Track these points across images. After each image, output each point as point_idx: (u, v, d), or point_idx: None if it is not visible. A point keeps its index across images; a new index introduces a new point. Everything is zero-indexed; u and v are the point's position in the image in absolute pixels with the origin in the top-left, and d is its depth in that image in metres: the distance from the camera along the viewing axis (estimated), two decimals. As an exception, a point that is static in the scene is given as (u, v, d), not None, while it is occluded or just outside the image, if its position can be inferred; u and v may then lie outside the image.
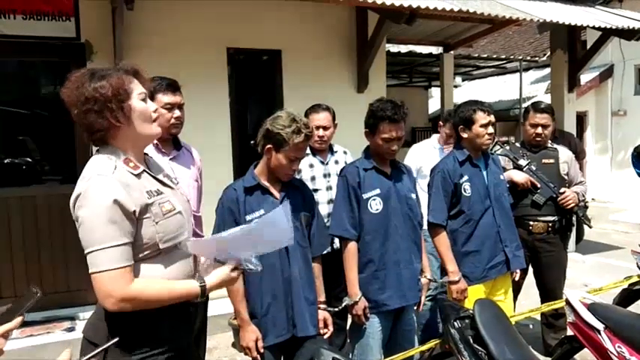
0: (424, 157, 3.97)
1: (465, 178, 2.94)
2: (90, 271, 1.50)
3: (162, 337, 1.64)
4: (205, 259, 1.77)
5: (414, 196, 2.77)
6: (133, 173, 1.59)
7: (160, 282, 1.59)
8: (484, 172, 3.01)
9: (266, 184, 2.33)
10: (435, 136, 4.17)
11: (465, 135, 2.98)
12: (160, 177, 1.72)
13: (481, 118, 2.92)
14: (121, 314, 1.57)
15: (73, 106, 1.59)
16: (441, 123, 4.07)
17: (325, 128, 3.40)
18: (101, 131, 1.58)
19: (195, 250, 1.72)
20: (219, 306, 3.34)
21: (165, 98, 2.59)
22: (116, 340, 1.50)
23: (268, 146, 2.27)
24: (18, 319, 1.42)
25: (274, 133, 2.23)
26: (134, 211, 1.53)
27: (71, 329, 4.14)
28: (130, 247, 1.53)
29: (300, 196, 2.42)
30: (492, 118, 2.95)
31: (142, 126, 1.64)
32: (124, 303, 1.51)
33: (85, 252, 1.51)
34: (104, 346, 1.46)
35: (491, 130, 2.94)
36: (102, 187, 1.50)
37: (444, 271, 2.91)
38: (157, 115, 1.71)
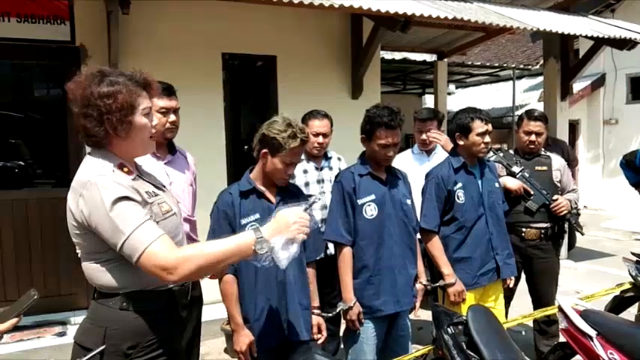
0: (402, 164, 3.98)
1: (459, 185, 2.94)
2: (134, 258, 1.46)
3: (157, 341, 1.63)
4: None
5: (409, 201, 2.78)
6: (128, 177, 1.59)
7: (213, 243, 1.52)
8: (479, 180, 3.02)
9: (261, 188, 2.34)
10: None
11: (461, 142, 2.99)
12: (152, 181, 1.73)
13: (478, 126, 2.92)
14: (115, 319, 1.57)
15: (74, 104, 1.57)
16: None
17: (324, 135, 3.40)
18: (96, 137, 1.58)
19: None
20: (212, 311, 3.32)
21: (160, 102, 2.59)
22: (103, 347, 1.49)
23: (264, 151, 2.27)
24: (13, 321, 1.42)
25: (270, 138, 2.24)
26: (141, 202, 1.54)
27: (62, 334, 4.10)
28: (154, 222, 1.52)
29: (296, 201, 2.41)
30: (490, 126, 2.96)
31: (139, 141, 1.64)
32: (183, 267, 1.44)
33: (119, 246, 1.47)
34: (91, 354, 1.44)
35: (487, 139, 2.94)
36: (108, 185, 1.50)
37: (439, 276, 2.91)
38: (156, 132, 1.70)
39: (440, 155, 4.02)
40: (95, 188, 1.49)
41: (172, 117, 2.69)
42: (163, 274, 1.45)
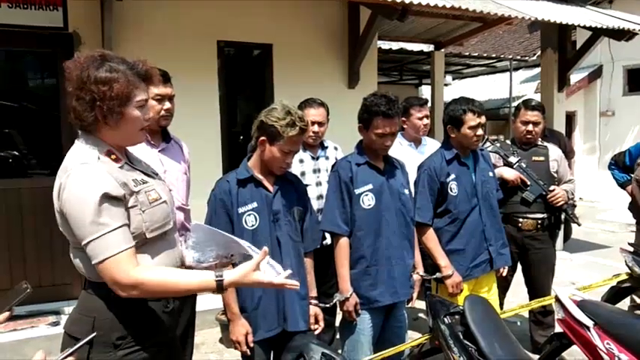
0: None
1: (452, 176, 2.91)
2: (94, 261, 1.45)
3: (147, 331, 1.61)
4: (185, 245, 1.75)
5: (406, 191, 2.75)
6: (115, 165, 1.55)
7: (171, 270, 1.53)
8: (472, 170, 2.99)
9: (259, 176, 2.30)
10: (399, 134, 4.13)
11: (452, 135, 2.95)
12: (141, 168, 1.69)
13: (470, 119, 2.86)
14: (104, 309, 1.55)
15: (69, 84, 1.53)
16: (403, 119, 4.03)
17: (320, 124, 3.36)
18: (85, 122, 1.54)
19: (195, 231, 1.72)
20: (207, 301, 3.31)
21: (156, 89, 2.55)
22: (94, 335, 1.46)
23: (262, 138, 2.24)
24: (5, 314, 1.39)
25: (268, 125, 2.20)
26: (123, 197, 1.50)
27: (55, 324, 4.07)
28: (127, 229, 1.49)
29: (294, 190, 2.40)
30: (482, 119, 2.89)
31: (128, 133, 1.59)
32: (130, 289, 1.45)
33: (83, 244, 1.46)
34: (81, 343, 1.41)
35: (480, 132, 2.89)
36: (87, 176, 1.46)
37: (435, 268, 2.89)
38: (148, 125, 1.65)
39: (429, 146, 3.99)
40: (75, 178, 1.46)
41: (167, 104, 2.65)
42: (114, 287, 1.45)
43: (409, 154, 3.82)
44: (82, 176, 1.46)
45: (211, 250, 1.74)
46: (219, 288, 1.48)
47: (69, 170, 1.48)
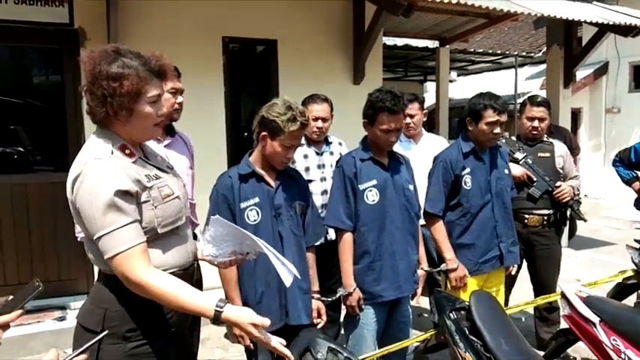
0: None
1: (467, 170, 2.90)
2: (107, 256, 1.47)
3: (157, 324, 1.61)
4: (202, 238, 1.76)
5: (411, 187, 2.75)
6: (129, 160, 1.55)
7: (178, 285, 1.50)
8: (488, 166, 2.97)
9: (261, 171, 2.31)
10: None
11: (470, 127, 2.94)
12: (156, 163, 1.69)
13: (489, 116, 2.84)
14: (115, 301, 1.56)
15: (83, 77, 1.53)
16: None
17: (324, 120, 3.36)
18: (97, 116, 1.55)
19: (213, 225, 1.71)
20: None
21: (170, 83, 2.55)
22: (105, 332, 1.47)
23: (263, 133, 2.24)
24: (17, 312, 1.40)
25: (269, 121, 2.21)
26: (135, 193, 1.50)
27: (62, 318, 4.10)
28: (139, 225, 1.50)
29: (295, 185, 2.40)
30: (503, 117, 2.85)
31: (140, 128, 1.59)
32: (136, 287, 1.48)
33: (94, 238, 1.47)
34: (91, 342, 1.41)
35: (497, 130, 2.86)
36: (101, 172, 1.47)
37: (441, 260, 2.89)
38: (162, 120, 1.65)
39: (426, 142, 3.96)
40: (88, 174, 1.47)
41: (180, 98, 2.67)
42: (125, 282, 1.49)
43: (404, 150, 3.83)
44: (95, 172, 1.47)
45: (227, 245, 1.75)
46: (216, 318, 1.47)
47: (83, 165, 1.49)
